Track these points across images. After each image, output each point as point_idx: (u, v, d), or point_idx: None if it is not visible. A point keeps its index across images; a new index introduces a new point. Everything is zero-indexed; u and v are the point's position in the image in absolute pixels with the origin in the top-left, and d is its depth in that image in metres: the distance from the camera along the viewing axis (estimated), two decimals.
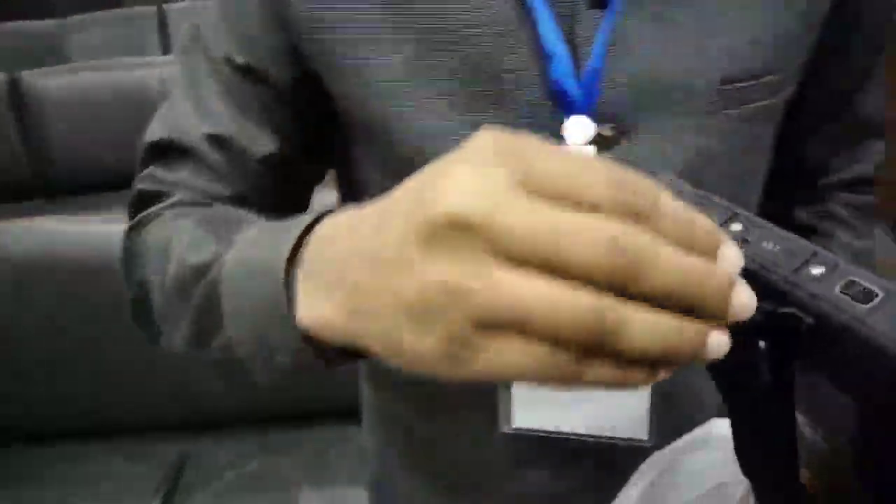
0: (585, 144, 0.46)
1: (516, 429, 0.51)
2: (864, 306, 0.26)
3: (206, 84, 0.51)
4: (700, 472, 0.43)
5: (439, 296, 0.25)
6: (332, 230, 0.34)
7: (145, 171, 0.54)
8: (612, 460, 0.55)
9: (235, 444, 1.39)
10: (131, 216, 0.54)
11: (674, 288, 0.25)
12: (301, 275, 0.35)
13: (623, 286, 0.24)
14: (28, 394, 1.38)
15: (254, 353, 0.38)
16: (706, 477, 0.42)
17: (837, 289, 0.27)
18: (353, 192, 0.58)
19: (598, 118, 0.46)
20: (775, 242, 0.29)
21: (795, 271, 0.28)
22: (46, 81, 2.28)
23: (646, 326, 0.25)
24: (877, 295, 0.26)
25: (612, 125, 0.46)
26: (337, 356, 0.36)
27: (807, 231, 0.66)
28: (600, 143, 0.47)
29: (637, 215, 0.25)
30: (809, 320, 0.27)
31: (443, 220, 0.25)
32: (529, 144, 0.26)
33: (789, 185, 0.66)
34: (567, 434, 0.50)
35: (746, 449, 0.34)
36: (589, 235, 0.24)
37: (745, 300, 0.26)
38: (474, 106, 0.47)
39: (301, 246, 0.35)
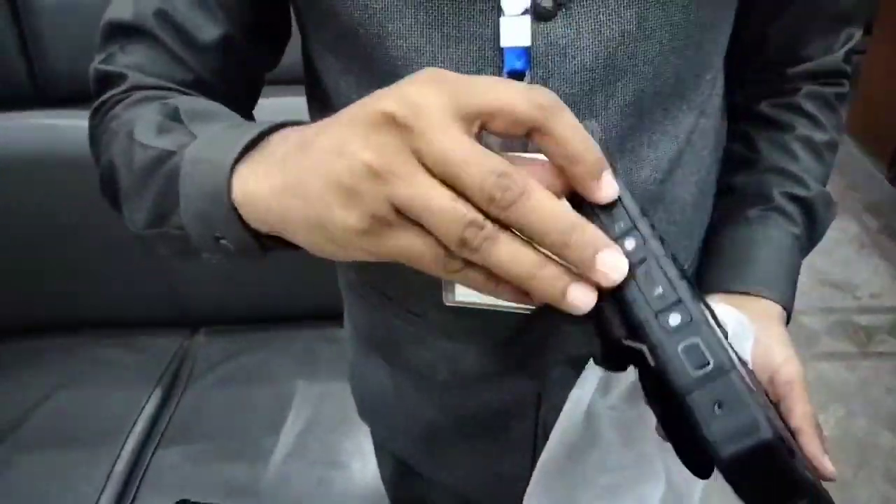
0: (522, 14, 0.46)
1: (458, 302, 0.53)
2: (692, 375, 0.29)
3: None
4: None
5: (368, 176, 0.30)
6: (284, 134, 0.38)
7: (105, 52, 0.55)
8: (541, 346, 0.57)
9: (229, 342, 1.43)
10: (95, 95, 0.55)
11: (540, 227, 0.29)
12: (245, 163, 0.38)
13: (500, 212, 0.29)
14: (21, 287, 1.41)
15: (200, 233, 0.42)
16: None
17: (680, 348, 0.30)
18: (322, 103, 0.58)
19: None
20: (653, 274, 0.31)
21: (656, 315, 0.31)
22: None
23: (510, 249, 0.30)
24: (707, 364, 0.29)
25: None
26: (269, 240, 0.39)
27: (767, 123, 0.65)
28: (538, 13, 0.46)
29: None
30: (652, 364, 0.30)
31: (381, 116, 0.30)
32: (467, 81, 0.30)
33: (754, 75, 0.65)
34: (504, 308, 0.52)
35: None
36: (484, 166, 0.29)
37: (613, 262, 0.30)
38: None
39: (254, 147, 0.38)
